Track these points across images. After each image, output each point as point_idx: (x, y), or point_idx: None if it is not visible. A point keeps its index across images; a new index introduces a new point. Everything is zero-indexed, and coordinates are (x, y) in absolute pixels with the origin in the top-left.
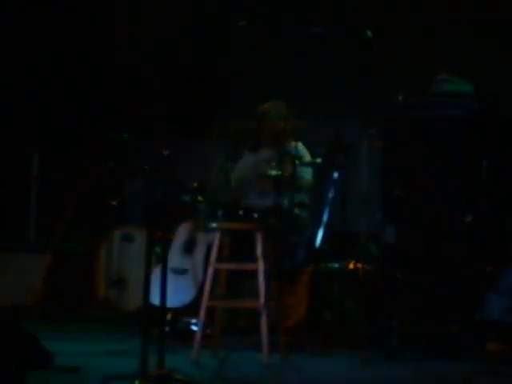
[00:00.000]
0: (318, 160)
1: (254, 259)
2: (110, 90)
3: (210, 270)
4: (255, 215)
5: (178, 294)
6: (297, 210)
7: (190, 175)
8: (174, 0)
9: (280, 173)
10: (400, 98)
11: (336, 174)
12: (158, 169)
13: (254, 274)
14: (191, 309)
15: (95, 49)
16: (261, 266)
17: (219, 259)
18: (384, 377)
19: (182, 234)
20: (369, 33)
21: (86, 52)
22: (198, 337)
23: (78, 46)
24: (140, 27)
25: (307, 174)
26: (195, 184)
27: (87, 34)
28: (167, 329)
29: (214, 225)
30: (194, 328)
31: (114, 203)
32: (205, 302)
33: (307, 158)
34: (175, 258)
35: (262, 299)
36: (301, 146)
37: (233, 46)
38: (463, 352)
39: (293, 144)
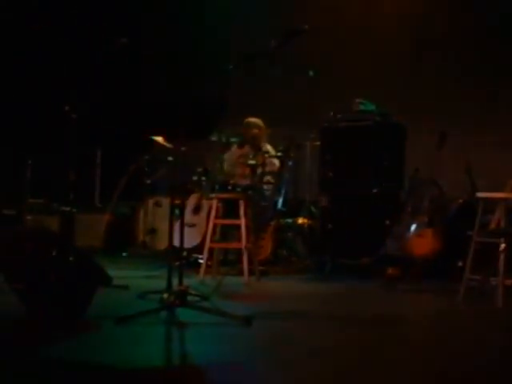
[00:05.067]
0: (279, 154)
1: (239, 217)
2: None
3: (210, 224)
4: (239, 189)
5: (190, 239)
6: (265, 186)
7: (196, 163)
8: None
9: (255, 162)
10: (331, 113)
11: (290, 163)
12: (177, 160)
13: (238, 226)
14: (198, 249)
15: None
16: (243, 222)
17: (216, 217)
18: (321, 290)
19: (192, 201)
20: (311, 72)
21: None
22: (202, 267)
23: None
24: None
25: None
26: (200, 169)
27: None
28: (183, 261)
29: (213, 195)
30: (201, 261)
31: (149, 181)
32: (207, 244)
33: (272, 152)
34: (188, 217)
35: (244, 243)
36: (269, 146)
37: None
38: (371, 276)
39: (264, 144)
